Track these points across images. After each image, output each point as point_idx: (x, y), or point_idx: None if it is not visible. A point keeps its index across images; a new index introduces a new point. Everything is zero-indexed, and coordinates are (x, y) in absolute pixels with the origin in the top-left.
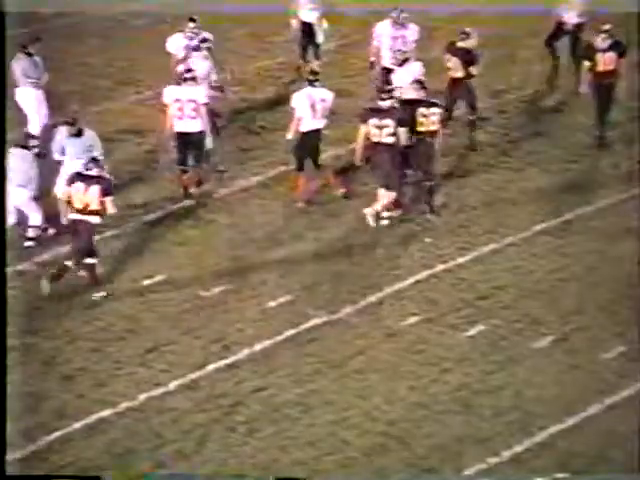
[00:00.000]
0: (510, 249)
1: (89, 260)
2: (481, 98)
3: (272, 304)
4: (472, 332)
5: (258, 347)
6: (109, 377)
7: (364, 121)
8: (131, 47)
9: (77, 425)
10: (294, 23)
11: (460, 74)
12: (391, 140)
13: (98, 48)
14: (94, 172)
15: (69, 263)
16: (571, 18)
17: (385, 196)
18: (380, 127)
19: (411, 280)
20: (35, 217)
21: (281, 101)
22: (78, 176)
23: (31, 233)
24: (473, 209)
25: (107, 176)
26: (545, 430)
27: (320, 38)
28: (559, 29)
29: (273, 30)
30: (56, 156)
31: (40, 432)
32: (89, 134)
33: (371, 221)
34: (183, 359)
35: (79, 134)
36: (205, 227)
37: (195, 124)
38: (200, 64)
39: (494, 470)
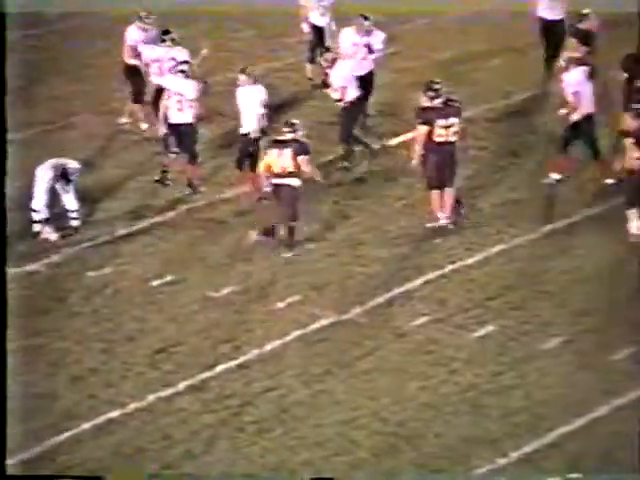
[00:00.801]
0: (519, 250)
1: (291, 223)
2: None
3: (281, 305)
4: (481, 333)
5: (267, 348)
6: (118, 378)
7: (426, 122)
8: None
9: (86, 425)
10: (305, 27)
11: None
12: (455, 139)
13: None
14: (288, 136)
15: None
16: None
17: (449, 195)
18: (447, 127)
19: (420, 281)
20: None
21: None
22: (274, 142)
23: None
24: (482, 210)
25: (301, 139)
26: (554, 431)
27: (329, 42)
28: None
29: (281, 31)
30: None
31: (49, 433)
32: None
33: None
34: (192, 360)
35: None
36: (213, 228)
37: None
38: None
39: (503, 471)
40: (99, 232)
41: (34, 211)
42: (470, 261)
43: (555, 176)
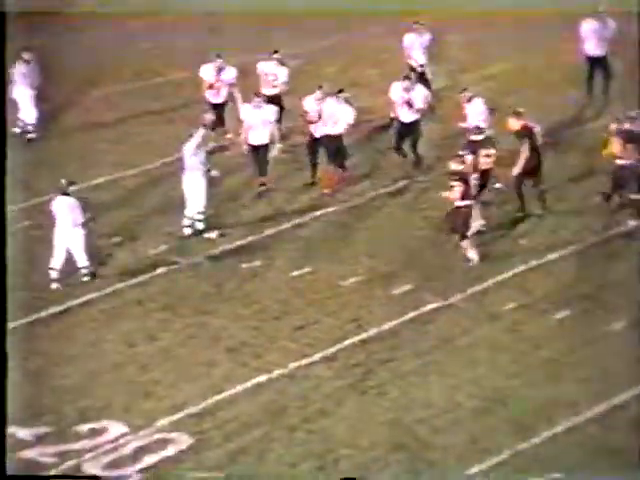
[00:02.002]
0: (591, 249)
1: None
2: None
3: (397, 292)
4: (560, 316)
5: (386, 326)
6: (265, 350)
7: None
8: None
9: (240, 388)
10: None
11: None
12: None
13: None
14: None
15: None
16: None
17: None
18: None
19: (510, 273)
20: (83, 259)
21: None
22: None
23: (83, 276)
24: (559, 215)
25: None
26: (621, 395)
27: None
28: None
29: None
30: None
31: (211, 393)
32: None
33: None
34: (325, 335)
35: None
36: (342, 229)
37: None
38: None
39: (578, 429)
40: (249, 232)
41: (187, 218)
42: (551, 257)
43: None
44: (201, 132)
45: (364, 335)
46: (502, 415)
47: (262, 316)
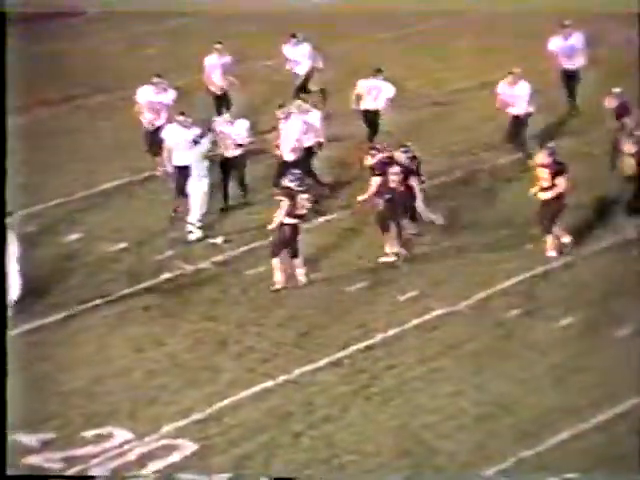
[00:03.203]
0: (596, 256)
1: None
2: None
3: (402, 298)
4: (564, 322)
5: (390, 333)
6: (271, 355)
7: None
8: None
9: (245, 393)
10: None
11: None
12: None
13: None
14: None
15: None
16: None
17: None
18: None
19: (515, 280)
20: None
21: None
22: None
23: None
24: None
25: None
26: (625, 402)
27: None
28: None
29: None
30: None
31: (215, 399)
32: None
33: None
34: (330, 341)
35: None
36: (348, 235)
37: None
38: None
39: (583, 436)
40: (254, 238)
41: (191, 224)
42: (555, 265)
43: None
44: (208, 138)
45: (369, 341)
46: (507, 421)
47: (268, 322)
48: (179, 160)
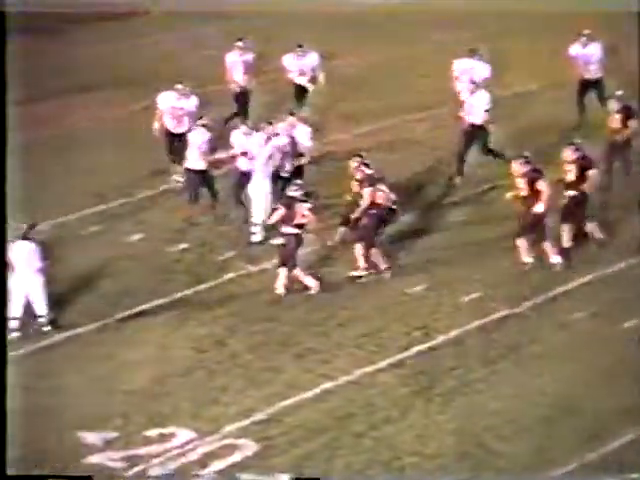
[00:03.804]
0: None
1: None
2: None
3: (465, 299)
4: (628, 325)
5: (452, 334)
6: (331, 356)
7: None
8: None
9: (306, 394)
10: None
11: None
12: None
13: None
14: None
15: None
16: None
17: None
18: None
19: (578, 282)
20: (41, 307)
21: None
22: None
23: (42, 325)
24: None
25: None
26: None
27: None
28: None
29: None
30: None
31: (277, 399)
32: None
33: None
34: (391, 342)
35: None
36: (410, 235)
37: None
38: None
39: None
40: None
41: (255, 225)
42: (621, 265)
43: None
44: (274, 142)
45: (431, 342)
46: (569, 424)
47: (329, 323)
48: (244, 165)
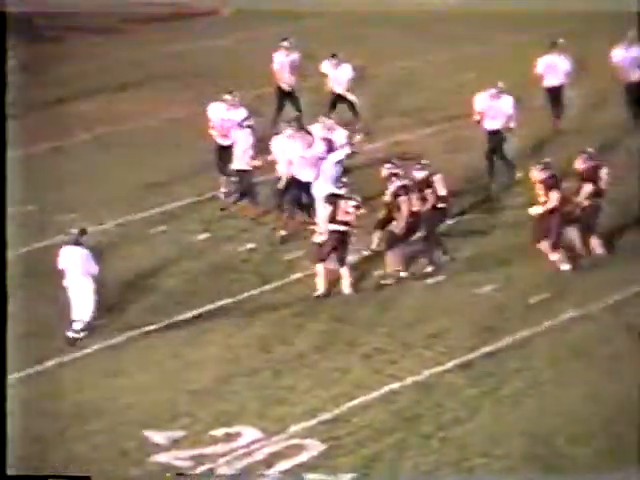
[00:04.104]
0: None
1: None
2: None
3: (532, 300)
4: None
5: (520, 335)
6: (399, 356)
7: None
8: None
9: (373, 394)
10: None
11: None
12: None
13: None
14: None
15: None
16: None
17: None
18: None
19: None
20: (85, 313)
21: None
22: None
23: (76, 326)
24: None
25: None
26: None
27: None
28: None
29: None
30: None
31: (344, 399)
32: None
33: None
34: (459, 343)
35: None
36: (478, 237)
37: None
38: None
39: None
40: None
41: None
42: None
43: None
44: (346, 150)
45: (499, 344)
46: (636, 422)
47: (396, 323)
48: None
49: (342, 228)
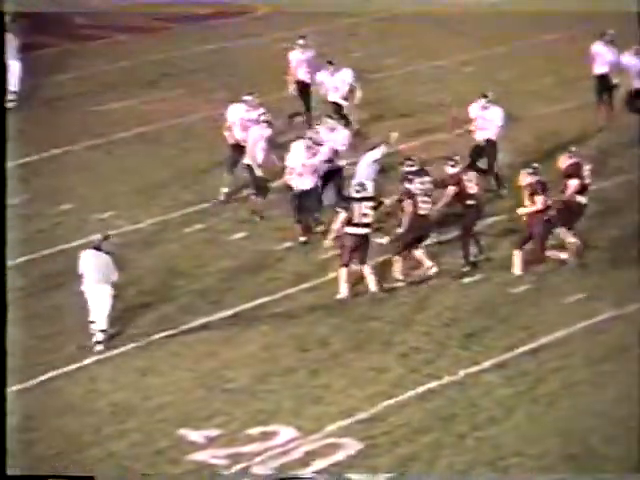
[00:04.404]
0: None
1: None
2: None
3: (569, 300)
4: None
5: (557, 335)
6: (436, 356)
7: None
8: None
9: (410, 394)
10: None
11: None
12: None
13: None
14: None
15: None
16: None
17: None
18: None
19: None
20: (102, 322)
21: None
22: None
23: (99, 337)
24: None
25: None
26: None
27: None
28: None
29: None
30: None
31: (380, 399)
32: None
33: None
34: (495, 343)
35: None
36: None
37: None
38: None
39: None
40: None
41: None
42: None
43: None
44: (383, 149)
45: (535, 343)
46: None
47: (433, 322)
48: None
49: (360, 231)
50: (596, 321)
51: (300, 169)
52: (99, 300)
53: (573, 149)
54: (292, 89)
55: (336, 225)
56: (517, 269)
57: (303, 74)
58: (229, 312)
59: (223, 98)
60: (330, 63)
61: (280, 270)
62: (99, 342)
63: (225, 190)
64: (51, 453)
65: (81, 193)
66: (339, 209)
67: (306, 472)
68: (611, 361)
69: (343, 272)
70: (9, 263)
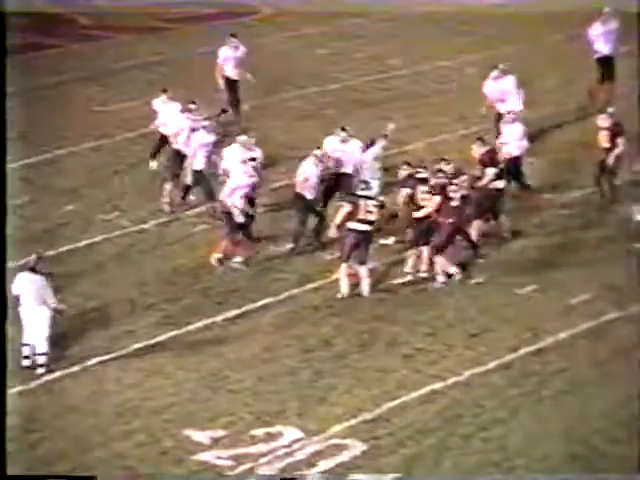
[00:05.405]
0: None
1: None
2: None
3: (574, 301)
4: None
5: (562, 336)
6: (441, 356)
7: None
8: None
9: (414, 394)
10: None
11: None
12: None
13: None
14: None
15: None
16: None
17: None
18: None
19: None
20: (43, 345)
21: None
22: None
23: (40, 360)
24: None
25: None
26: None
27: None
28: None
29: None
30: None
31: (385, 399)
32: None
33: None
34: (500, 343)
35: None
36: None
37: None
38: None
39: None
40: None
41: None
42: None
43: None
44: (381, 142)
45: (540, 344)
46: None
47: (437, 323)
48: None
49: (363, 227)
50: (600, 322)
51: (313, 181)
52: (37, 323)
53: (484, 136)
54: (221, 84)
55: (338, 218)
56: (409, 269)
57: (230, 70)
58: (234, 312)
59: (224, 98)
60: (343, 130)
61: (285, 271)
62: (41, 365)
63: (166, 200)
64: (55, 454)
65: (85, 194)
66: (344, 203)
67: (311, 473)
68: (615, 362)
69: (343, 268)
70: (11, 264)
